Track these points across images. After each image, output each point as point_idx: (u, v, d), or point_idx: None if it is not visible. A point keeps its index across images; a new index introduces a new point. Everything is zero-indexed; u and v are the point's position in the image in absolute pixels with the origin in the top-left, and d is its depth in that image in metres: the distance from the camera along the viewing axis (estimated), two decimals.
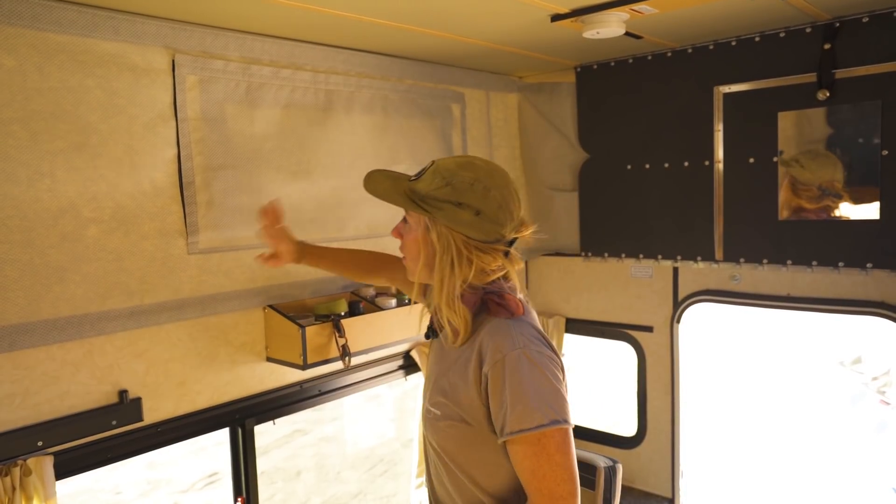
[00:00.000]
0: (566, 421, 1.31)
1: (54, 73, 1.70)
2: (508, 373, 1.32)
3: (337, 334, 2.26)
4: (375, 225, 2.59)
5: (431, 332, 1.60)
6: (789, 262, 2.57)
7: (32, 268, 1.69)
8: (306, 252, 1.99)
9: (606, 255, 3.12)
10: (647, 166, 2.91)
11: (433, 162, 1.50)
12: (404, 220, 1.55)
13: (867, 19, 2.28)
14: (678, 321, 2.99)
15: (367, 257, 2.07)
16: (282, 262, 1.97)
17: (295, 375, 2.41)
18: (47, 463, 1.75)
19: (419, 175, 1.48)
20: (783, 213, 2.55)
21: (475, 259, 1.43)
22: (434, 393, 1.50)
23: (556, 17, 2.11)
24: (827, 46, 2.35)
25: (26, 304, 1.69)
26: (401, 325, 2.44)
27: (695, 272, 2.90)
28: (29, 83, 1.66)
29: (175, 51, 1.95)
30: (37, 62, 1.67)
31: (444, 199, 1.42)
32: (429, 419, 1.50)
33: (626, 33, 2.28)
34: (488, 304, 1.43)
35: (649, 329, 3.06)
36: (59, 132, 1.72)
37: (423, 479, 1.88)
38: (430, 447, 1.54)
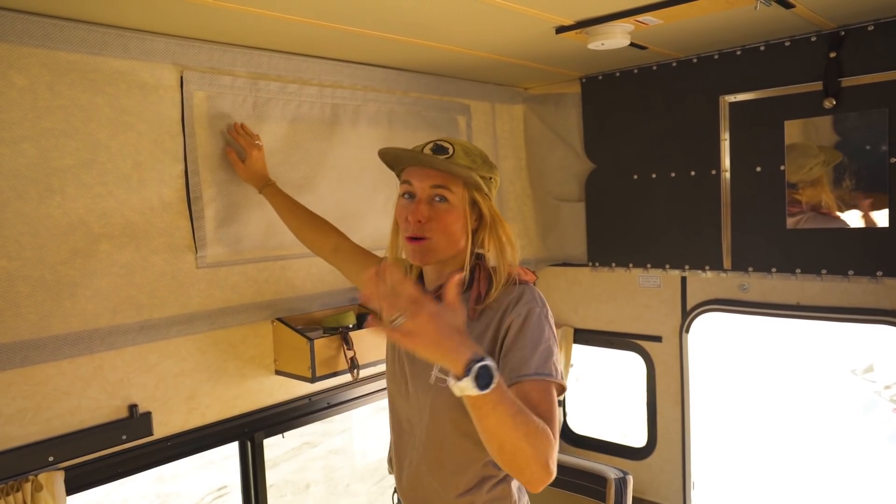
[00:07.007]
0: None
1: (64, 91, 1.72)
2: (534, 323, 1.46)
3: (345, 347, 2.26)
4: (380, 237, 2.59)
5: None
6: (798, 270, 2.56)
7: (44, 284, 1.70)
8: (270, 183, 2.11)
9: (614, 265, 3.11)
10: (654, 176, 2.91)
11: (450, 143, 1.55)
12: (435, 199, 1.53)
13: (873, 27, 2.27)
14: (687, 331, 2.98)
15: (319, 218, 2.12)
16: (245, 167, 2.08)
17: (304, 388, 2.41)
18: (58, 478, 1.75)
19: (448, 153, 1.53)
20: (791, 222, 2.54)
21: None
22: None
23: (560, 29, 2.12)
24: (833, 55, 2.35)
25: (37, 320, 1.70)
26: None
27: (703, 281, 2.89)
28: (40, 101, 1.67)
29: (183, 67, 1.97)
30: (48, 80, 1.69)
31: (489, 175, 1.56)
32: (439, 389, 1.54)
33: (631, 44, 2.29)
34: (518, 273, 1.56)
35: (658, 339, 3.05)
36: (68, 149, 1.73)
37: None
38: (432, 420, 1.58)
